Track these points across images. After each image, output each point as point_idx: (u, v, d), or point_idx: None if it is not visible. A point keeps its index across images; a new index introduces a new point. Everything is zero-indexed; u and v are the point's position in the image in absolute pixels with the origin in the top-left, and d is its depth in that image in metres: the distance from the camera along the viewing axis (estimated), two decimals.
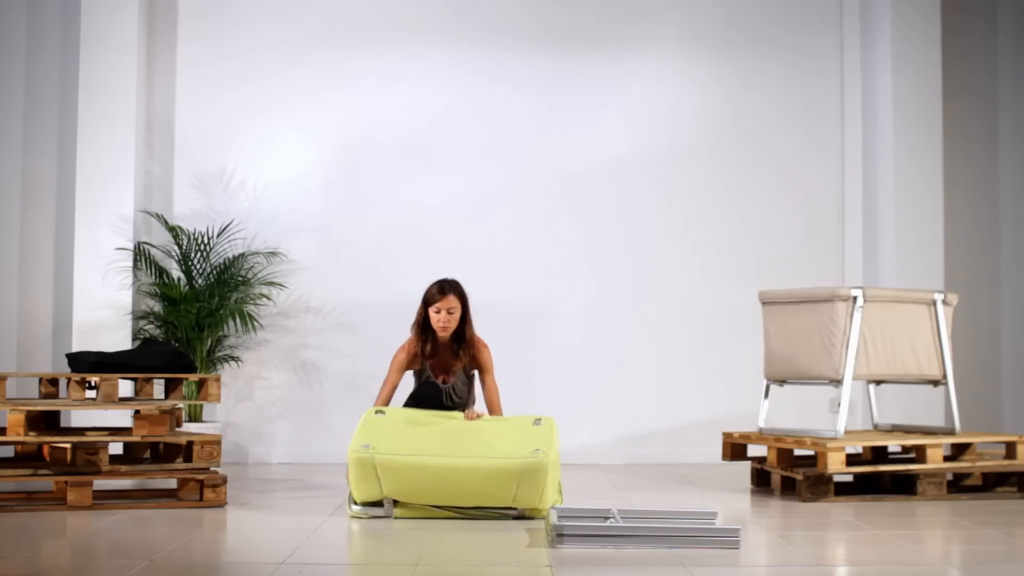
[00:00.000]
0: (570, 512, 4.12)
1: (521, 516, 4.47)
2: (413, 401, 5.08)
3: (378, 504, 4.51)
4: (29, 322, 6.82)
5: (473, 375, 5.17)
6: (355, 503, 4.55)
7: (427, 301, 5.04)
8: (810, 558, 3.78)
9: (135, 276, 6.71)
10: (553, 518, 3.99)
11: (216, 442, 4.86)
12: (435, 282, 5.06)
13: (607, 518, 4.05)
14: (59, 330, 6.79)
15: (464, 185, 7.15)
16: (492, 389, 5.14)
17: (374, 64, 7.14)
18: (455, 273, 6.99)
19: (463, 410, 5.03)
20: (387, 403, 5.04)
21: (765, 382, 5.72)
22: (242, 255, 6.82)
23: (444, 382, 5.08)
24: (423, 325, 5.06)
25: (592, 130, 7.22)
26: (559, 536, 3.85)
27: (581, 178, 7.17)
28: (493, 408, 5.12)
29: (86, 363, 5.00)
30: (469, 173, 7.16)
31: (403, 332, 7.05)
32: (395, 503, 4.50)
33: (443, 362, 5.11)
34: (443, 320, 4.99)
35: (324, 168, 7.12)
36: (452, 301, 5.00)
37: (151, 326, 6.70)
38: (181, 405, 5.25)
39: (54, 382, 5.10)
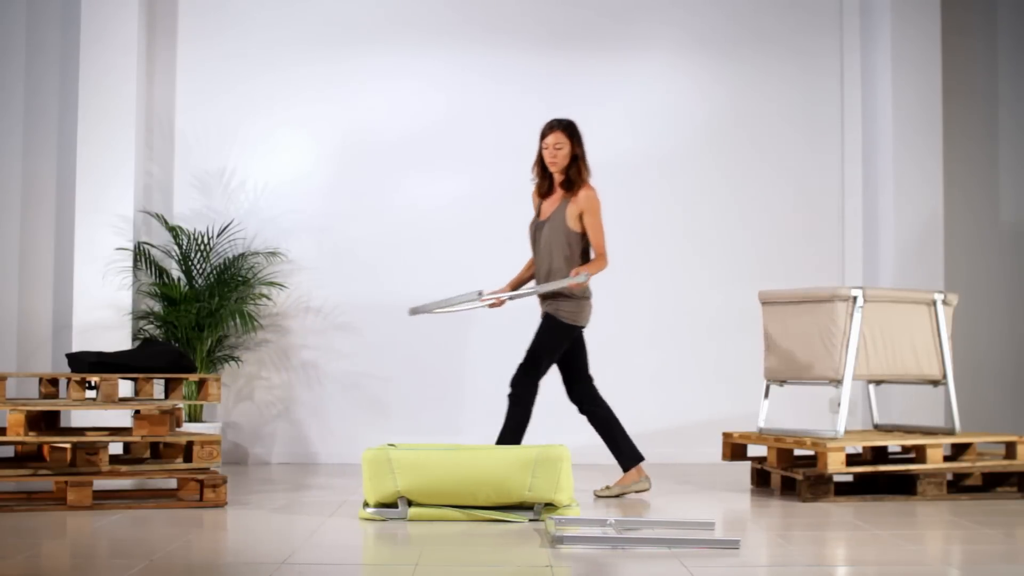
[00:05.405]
0: (568, 523, 4.19)
1: (537, 519, 4.41)
2: None
3: (392, 506, 4.47)
4: (29, 322, 6.82)
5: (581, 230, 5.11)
6: (368, 505, 4.51)
7: (540, 136, 5.18)
8: (810, 558, 3.78)
9: (135, 276, 6.71)
10: (552, 529, 4.01)
11: (216, 442, 4.86)
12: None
13: (605, 524, 4.09)
14: (59, 330, 6.78)
15: (465, 184, 7.15)
16: (594, 229, 5.07)
17: (374, 63, 7.14)
18: (454, 272, 7.08)
19: (549, 253, 5.10)
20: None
21: (765, 382, 5.72)
22: (242, 255, 6.82)
23: (541, 219, 5.16)
24: (540, 163, 5.21)
25: (593, 129, 7.16)
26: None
27: None
28: (596, 249, 5.08)
29: (86, 363, 5.00)
30: (470, 172, 7.16)
31: (402, 332, 7.11)
32: (409, 504, 4.46)
33: (552, 202, 5.19)
34: (549, 156, 5.12)
35: (324, 168, 7.12)
36: (558, 136, 5.11)
37: (151, 326, 6.70)
38: (181, 405, 5.25)
39: (54, 382, 5.10)
